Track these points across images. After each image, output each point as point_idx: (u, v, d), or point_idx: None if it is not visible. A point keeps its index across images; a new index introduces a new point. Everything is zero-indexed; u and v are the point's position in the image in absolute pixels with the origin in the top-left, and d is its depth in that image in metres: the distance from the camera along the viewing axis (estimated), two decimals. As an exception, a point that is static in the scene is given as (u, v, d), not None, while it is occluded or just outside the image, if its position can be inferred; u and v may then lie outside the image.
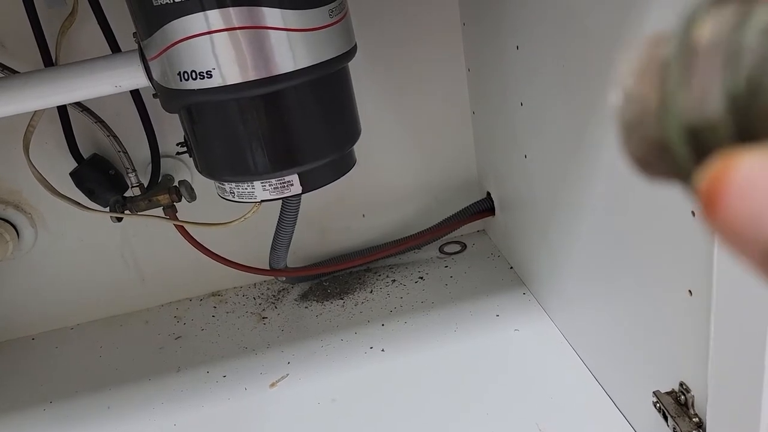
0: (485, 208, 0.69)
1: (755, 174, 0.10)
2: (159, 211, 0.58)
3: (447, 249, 0.72)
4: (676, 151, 0.12)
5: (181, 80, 0.42)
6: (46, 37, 0.54)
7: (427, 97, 0.66)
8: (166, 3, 0.40)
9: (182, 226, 0.58)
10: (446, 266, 0.69)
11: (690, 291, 0.36)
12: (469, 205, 0.69)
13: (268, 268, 0.62)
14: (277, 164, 0.45)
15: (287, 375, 0.57)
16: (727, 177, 0.10)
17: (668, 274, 0.37)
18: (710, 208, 0.11)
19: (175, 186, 0.58)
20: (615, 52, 0.38)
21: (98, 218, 0.61)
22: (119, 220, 0.59)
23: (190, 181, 0.62)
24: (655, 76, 0.12)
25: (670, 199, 0.36)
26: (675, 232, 0.36)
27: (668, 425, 0.38)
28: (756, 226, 0.10)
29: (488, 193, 0.69)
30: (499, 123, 0.60)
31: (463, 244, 0.72)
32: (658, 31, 0.12)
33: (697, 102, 0.11)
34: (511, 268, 0.67)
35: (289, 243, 0.59)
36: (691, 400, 0.37)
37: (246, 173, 0.45)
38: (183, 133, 0.48)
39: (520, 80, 0.52)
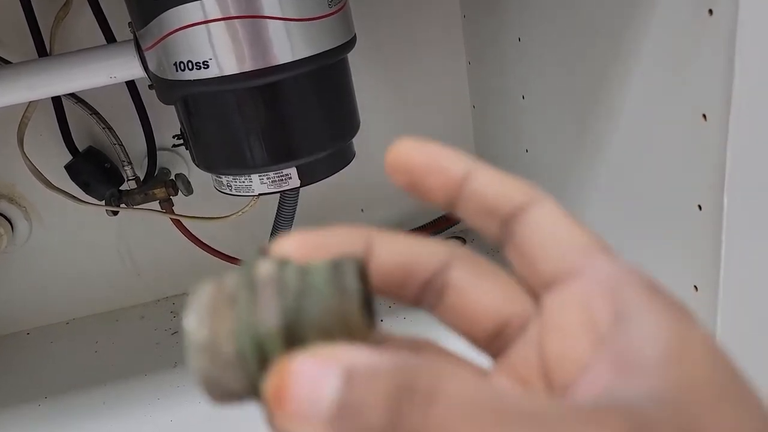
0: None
1: (306, 364, 0.13)
2: (155, 205, 0.58)
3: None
4: (248, 361, 0.15)
5: (177, 71, 0.42)
6: (40, 27, 0.53)
7: (427, 91, 0.65)
8: (162, -9, 0.39)
9: (179, 220, 0.57)
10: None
11: (696, 287, 0.35)
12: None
13: (266, 263, 0.62)
14: (275, 157, 0.44)
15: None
16: (286, 371, 0.14)
17: (674, 270, 0.37)
18: (278, 403, 0.14)
19: (172, 179, 0.57)
20: (619, 43, 0.37)
21: (94, 212, 0.61)
22: (115, 213, 0.59)
23: (186, 174, 0.61)
24: (225, 305, 0.15)
25: (674, 194, 0.36)
26: (680, 227, 0.36)
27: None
28: (315, 403, 0.13)
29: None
30: (499, 117, 0.59)
31: (463, 239, 0.72)
32: (218, 277, 0.16)
33: (262, 320, 0.15)
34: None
35: (287, 237, 0.58)
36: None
37: (243, 166, 0.44)
38: (179, 125, 0.48)
39: (521, 73, 0.51)
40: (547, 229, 0.18)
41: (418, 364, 0.14)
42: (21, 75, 0.47)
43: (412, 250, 0.18)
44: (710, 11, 0.30)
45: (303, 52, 0.41)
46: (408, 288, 0.18)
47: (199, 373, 0.15)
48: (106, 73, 0.46)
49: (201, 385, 0.16)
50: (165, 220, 0.58)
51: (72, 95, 0.56)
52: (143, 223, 0.65)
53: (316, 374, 0.13)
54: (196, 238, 0.58)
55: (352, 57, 0.46)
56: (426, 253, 0.18)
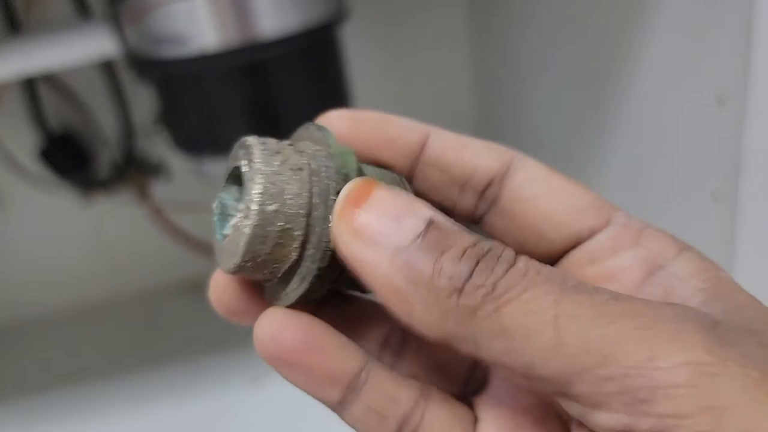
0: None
1: (386, 192, 0.15)
2: (132, 193, 0.56)
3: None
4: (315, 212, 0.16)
5: (157, 49, 0.40)
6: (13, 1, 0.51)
7: (425, 71, 0.63)
8: (141, -39, 0.37)
9: (157, 209, 0.56)
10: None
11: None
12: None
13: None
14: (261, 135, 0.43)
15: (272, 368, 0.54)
16: (370, 187, 0.15)
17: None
18: (356, 201, 0.15)
19: (150, 165, 0.56)
20: (632, 21, 0.36)
21: (68, 200, 0.59)
22: (89, 202, 0.57)
23: (166, 160, 0.59)
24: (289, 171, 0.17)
25: (687, 182, 0.35)
26: (693, 216, 0.34)
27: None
28: (392, 233, 0.14)
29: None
30: (503, 97, 0.58)
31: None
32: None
33: (328, 184, 0.16)
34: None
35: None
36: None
37: (226, 149, 0.43)
38: (159, 108, 0.46)
39: (527, 53, 0.50)
40: (543, 193, 0.17)
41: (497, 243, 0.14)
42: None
43: (470, 147, 0.17)
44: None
45: (292, 27, 0.39)
46: (465, 190, 0.18)
47: (259, 221, 0.16)
48: (81, 51, 0.44)
49: (254, 236, 0.16)
50: (144, 209, 0.57)
51: (45, 76, 0.54)
52: (120, 212, 0.63)
53: (396, 213, 0.14)
54: (178, 228, 0.56)
55: (347, 38, 0.45)
56: (486, 152, 0.17)
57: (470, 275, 0.14)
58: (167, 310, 0.64)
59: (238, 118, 0.42)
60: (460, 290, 0.14)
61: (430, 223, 0.14)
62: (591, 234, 0.17)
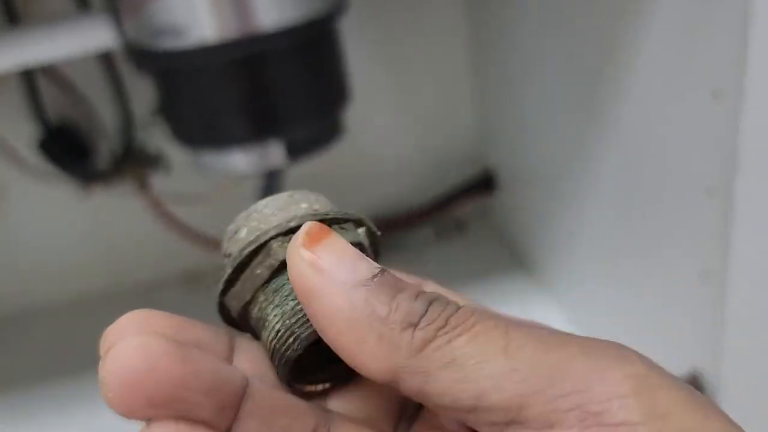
0: (485, 185, 0.66)
1: (341, 239, 0.16)
2: (131, 185, 0.55)
3: (443, 230, 0.69)
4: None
5: (156, 40, 0.40)
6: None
7: (424, 63, 0.63)
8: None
9: (156, 201, 0.56)
10: (442, 249, 0.66)
11: (701, 275, 0.34)
12: (467, 182, 0.66)
13: (248, 247, 0.60)
14: (259, 132, 0.42)
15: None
16: (323, 231, 0.16)
17: (679, 257, 0.35)
18: (316, 237, 0.16)
19: (150, 157, 0.55)
20: (627, 16, 0.36)
21: (66, 192, 0.59)
22: (88, 194, 0.57)
23: (165, 152, 0.59)
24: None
25: (681, 177, 0.35)
26: (687, 212, 0.34)
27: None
28: (349, 271, 0.15)
29: (488, 170, 0.66)
30: (502, 94, 0.58)
31: (461, 224, 0.69)
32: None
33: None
34: (514, 250, 0.64)
35: (271, 220, 0.57)
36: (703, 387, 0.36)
37: (225, 141, 0.43)
38: (158, 99, 0.46)
39: (526, 46, 0.50)
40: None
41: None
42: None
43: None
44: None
45: (292, 18, 0.39)
46: None
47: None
48: (80, 43, 0.44)
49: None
50: (142, 200, 0.57)
51: (44, 67, 0.53)
52: (119, 204, 0.63)
53: (352, 256, 0.15)
54: (176, 220, 0.56)
55: (345, 29, 0.45)
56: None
57: (425, 312, 0.15)
58: (166, 301, 0.64)
59: (236, 110, 0.42)
60: (415, 325, 0.15)
61: (384, 270, 0.16)
62: None
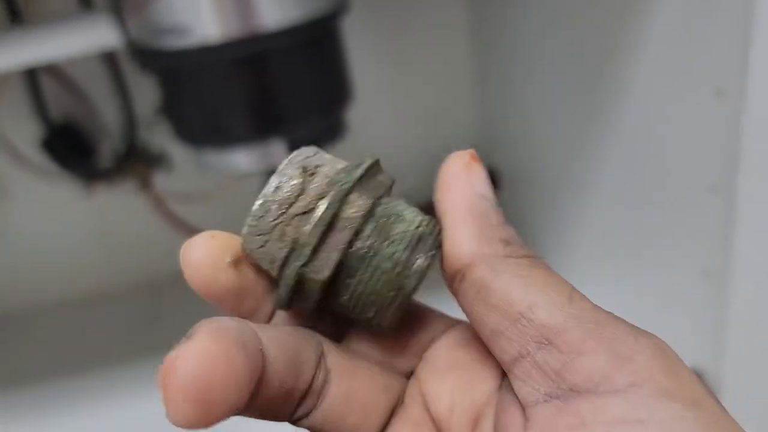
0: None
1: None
2: (134, 183, 0.55)
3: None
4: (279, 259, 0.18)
5: (159, 40, 0.40)
6: (13, -7, 0.51)
7: (425, 62, 0.63)
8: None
9: (159, 200, 0.56)
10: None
11: (704, 273, 0.34)
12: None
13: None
14: (261, 130, 0.42)
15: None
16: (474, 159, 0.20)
17: (682, 255, 0.35)
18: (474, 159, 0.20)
19: (152, 156, 0.55)
20: (630, 13, 0.36)
21: (70, 191, 0.59)
22: (91, 192, 0.57)
23: (168, 151, 0.59)
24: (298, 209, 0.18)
25: (685, 175, 0.35)
26: (690, 210, 0.34)
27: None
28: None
29: (489, 169, 0.66)
30: (504, 93, 0.57)
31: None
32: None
33: (318, 266, 0.18)
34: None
35: (273, 219, 0.57)
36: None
37: (228, 140, 0.43)
38: (161, 99, 0.46)
39: (527, 45, 0.50)
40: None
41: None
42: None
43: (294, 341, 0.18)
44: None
45: (295, 17, 0.39)
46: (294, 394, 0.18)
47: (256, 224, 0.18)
48: (83, 42, 0.44)
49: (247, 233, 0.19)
50: (144, 199, 0.57)
51: (47, 66, 0.53)
52: (121, 202, 0.63)
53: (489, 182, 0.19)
54: (178, 218, 0.56)
55: (347, 28, 0.45)
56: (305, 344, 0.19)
57: (521, 243, 0.18)
58: (168, 300, 0.64)
59: (239, 109, 0.42)
60: (509, 243, 0.17)
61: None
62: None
